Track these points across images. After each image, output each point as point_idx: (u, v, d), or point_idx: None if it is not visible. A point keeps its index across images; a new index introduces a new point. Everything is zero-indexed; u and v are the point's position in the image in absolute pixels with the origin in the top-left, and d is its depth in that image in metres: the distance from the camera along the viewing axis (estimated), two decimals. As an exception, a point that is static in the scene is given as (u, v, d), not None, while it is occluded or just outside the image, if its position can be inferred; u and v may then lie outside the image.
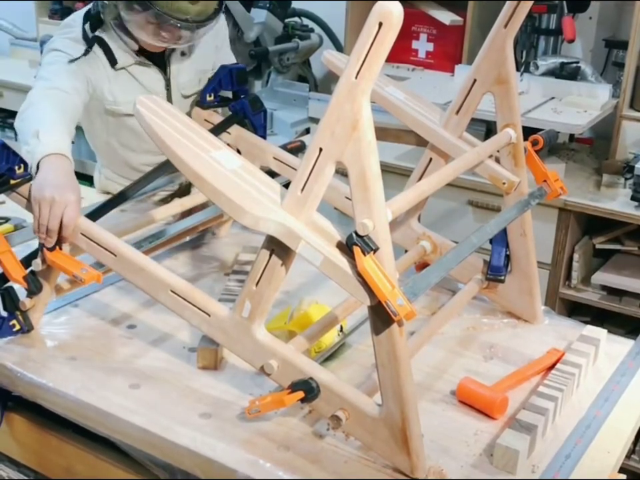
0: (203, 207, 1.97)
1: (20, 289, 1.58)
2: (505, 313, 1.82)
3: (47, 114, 1.75)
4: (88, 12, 2.01)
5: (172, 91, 2.14)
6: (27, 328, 1.61)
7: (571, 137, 3.19)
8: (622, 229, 2.82)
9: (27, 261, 1.56)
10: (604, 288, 2.80)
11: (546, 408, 1.42)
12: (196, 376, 1.53)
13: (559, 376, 1.53)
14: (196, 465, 1.35)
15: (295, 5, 3.70)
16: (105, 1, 1.94)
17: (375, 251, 1.18)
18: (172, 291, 1.43)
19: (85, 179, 2.59)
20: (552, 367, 1.58)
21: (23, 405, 1.57)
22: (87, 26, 1.99)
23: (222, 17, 2.08)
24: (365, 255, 1.18)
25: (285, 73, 3.62)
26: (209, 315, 1.40)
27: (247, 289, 1.34)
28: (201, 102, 2.06)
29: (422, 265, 1.85)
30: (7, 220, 2.04)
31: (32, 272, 1.55)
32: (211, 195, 1.29)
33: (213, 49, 2.16)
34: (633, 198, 2.68)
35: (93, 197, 2.12)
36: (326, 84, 3.80)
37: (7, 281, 1.57)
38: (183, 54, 2.12)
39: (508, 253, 1.75)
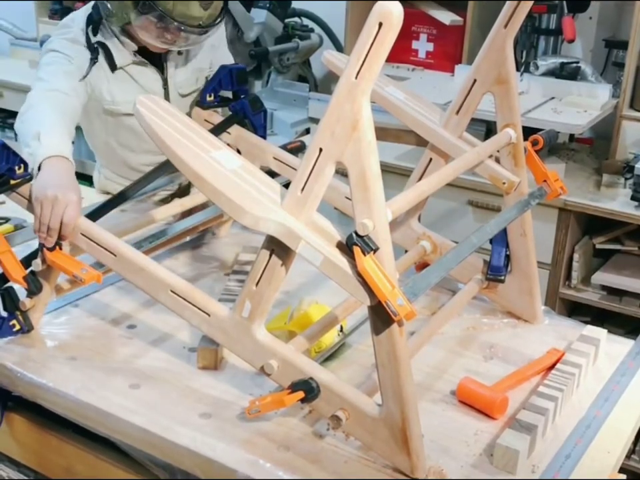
0: (203, 207, 1.97)
1: (20, 289, 1.58)
2: (505, 313, 1.82)
3: (47, 116, 1.75)
4: (90, 17, 2.01)
5: (169, 90, 2.14)
6: (27, 328, 1.61)
7: (571, 137, 3.19)
8: (622, 229, 2.82)
9: (27, 261, 1.56)
10: (604, 288, 2.80)
11: (546, 408, 1.42)
12: (196, 376, 1.53)
13: (559, 376, 1.53)
14: (196, 465, 1.35)
15: (295, 4, 3.70)
16: (112, 6, 1.93)
17: (375, 250, 1.18)
18: (172, 291, 1.43)
19: (85, 178, 2.59)
20: (552, 367, 1.58)
21: (23, 405, 1.57)
22: (90, 30, 1.99)
23: (221, 17, 2.09)
24: (364, 255, 1.18)
25: (285, 73, 3.61)
26: (209, 315, 1.40)
27: (246, 289, 1.34)
28: (201, 102, 2.05)
29: (422, 265, 1.85)
30: (7, 220, 2.03)
31: (32, 272, 1.55)
32: (211, 195, 1.29)
33: (209, 48, 2.16)
34: (633, 198, 2.68)
35: (92, 197, 2.12)
36: (326, 84, 3.80)
37: (7, 281, 1.57)
38: (179, 53, 2.12)
39: (508, 252, 1.75)
